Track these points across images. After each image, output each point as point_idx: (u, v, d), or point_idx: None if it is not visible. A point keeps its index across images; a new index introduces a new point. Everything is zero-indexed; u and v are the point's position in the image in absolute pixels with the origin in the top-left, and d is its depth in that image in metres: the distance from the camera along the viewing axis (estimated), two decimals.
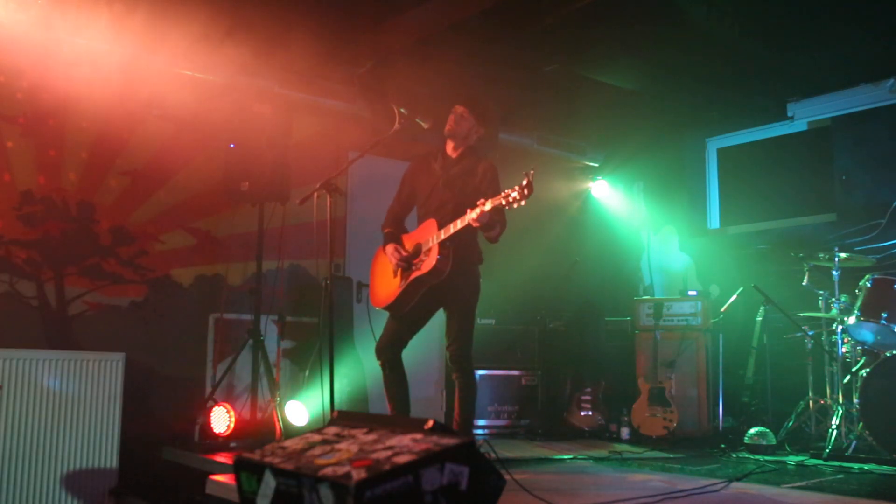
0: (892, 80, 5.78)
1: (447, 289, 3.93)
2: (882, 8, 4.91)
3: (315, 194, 3.87)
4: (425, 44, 5.27)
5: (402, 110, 4.00)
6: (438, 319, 4.15)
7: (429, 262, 3.84)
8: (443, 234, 3.82)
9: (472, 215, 3.66)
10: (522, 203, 3.49)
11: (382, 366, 4.10)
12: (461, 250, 3.91)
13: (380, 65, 5.70)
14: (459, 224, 3.73)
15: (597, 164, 7.70)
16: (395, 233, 4.19)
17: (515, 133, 6.94)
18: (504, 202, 3.53)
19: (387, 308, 4.09)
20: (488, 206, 3.59)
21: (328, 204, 3.83)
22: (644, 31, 5.15)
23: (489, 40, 5.29)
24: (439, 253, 3.81)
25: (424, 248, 3.93)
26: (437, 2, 4.90)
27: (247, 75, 5.37)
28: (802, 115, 6.44)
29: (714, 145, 7.25)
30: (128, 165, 5.35)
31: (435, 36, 5.16)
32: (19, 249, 4.90)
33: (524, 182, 3.46)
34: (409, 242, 4.09)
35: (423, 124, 4.07)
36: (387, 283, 4.11)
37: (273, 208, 5.22)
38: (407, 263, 3.99)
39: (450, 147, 4.17)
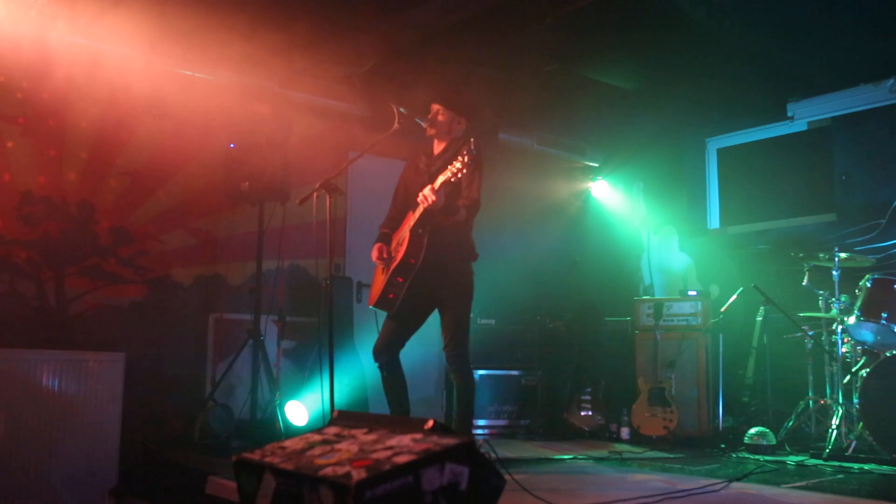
0: (892, 80, 5.77)
1: (437, 287, 3.95)
2: (882, 8, 4.91)
3: (315, 194, 3.87)
4: (425, 44, 5.27)
5: (402, 110, 4.01)
6: (437, 318, 4.15)
7: (401, 251, 3.89)
8: (412, 222, 3.85)
9: (421, 195, 3.69)
10: (465, 171, 3.56)
11: (380, 368, 4.09)
12: (449, 246, 3.93)
13: (380, 65, 5.70)
14: (422, 208, 3.75)
15: (597, 164, 7.71)
16: (387, 233, 4.22)
17: (515, 133, 6.94)
18: (450, 174, 3.58)
19: (376, 305, 4.10)
20: (438, 182, 3.64)
21: (328, 204, 3.83)
22: (644, 30, 5.15)
23: (489, 40, 5.29)
24: (409, 240, 3.85)
25: (400, 240, 3.99)
26: (438, 2, 4.90)
27: (247, 75, 5.37)
28: (802, 115, 6.44)
29: (714, 145, 7.25)
30: (128, 165, 5.35)
31: (435, 36, 5.16)
32: (19, 249, 4.90)
33: (465, 151, 3.55)
34: (395, 239, 4.14)
35: (422, 124, 4.09)
36: (377, 280, 4.16)
37: (273, 208, 5.21)
38: (388, 258, 4.04)
39: (436, 144, 4.19)
